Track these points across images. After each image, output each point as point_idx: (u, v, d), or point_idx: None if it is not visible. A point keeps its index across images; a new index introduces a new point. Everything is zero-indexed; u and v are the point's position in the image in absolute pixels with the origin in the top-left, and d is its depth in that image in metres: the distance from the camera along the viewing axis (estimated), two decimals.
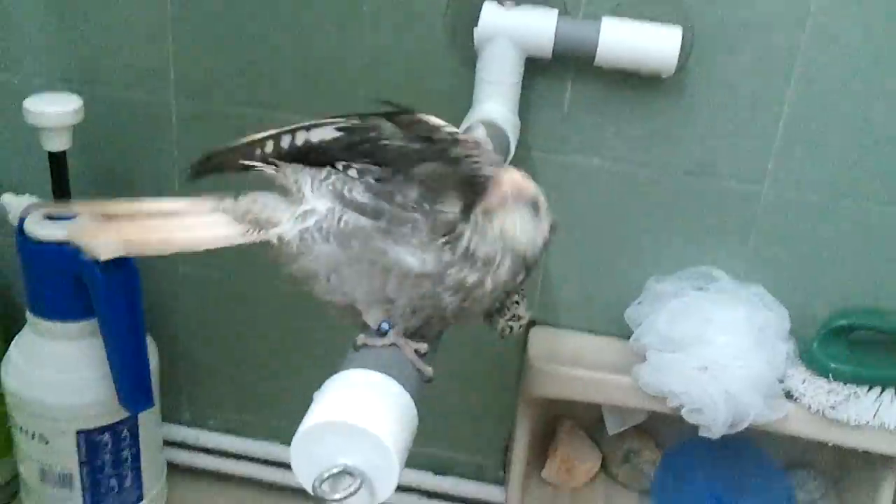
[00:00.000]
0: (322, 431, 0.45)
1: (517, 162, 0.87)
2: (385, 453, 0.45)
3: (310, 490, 0.45)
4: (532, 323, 0.98)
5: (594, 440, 1.04)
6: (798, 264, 0.90)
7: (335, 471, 0.45)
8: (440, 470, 1.07)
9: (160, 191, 0.98)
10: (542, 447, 1.04)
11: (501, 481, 1.05)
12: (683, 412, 0.85)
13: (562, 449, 1.02)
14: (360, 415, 0.45)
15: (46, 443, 0.92)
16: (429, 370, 0.52)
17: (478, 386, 1.02)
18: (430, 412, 1.09)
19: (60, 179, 0.89)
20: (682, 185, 0.89)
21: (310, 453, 0.45)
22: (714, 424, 0.84)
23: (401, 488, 1.07)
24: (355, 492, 0.45)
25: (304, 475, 0.46)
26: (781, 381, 0.88)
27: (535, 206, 0.53)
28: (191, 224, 0.55)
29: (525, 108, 0.87)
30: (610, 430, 1.01)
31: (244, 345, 1.05)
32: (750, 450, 0.99)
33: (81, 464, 0.93)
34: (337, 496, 0.44)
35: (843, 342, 0.86)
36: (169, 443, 1.09)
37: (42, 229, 0.88)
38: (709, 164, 0.88)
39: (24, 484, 0.98)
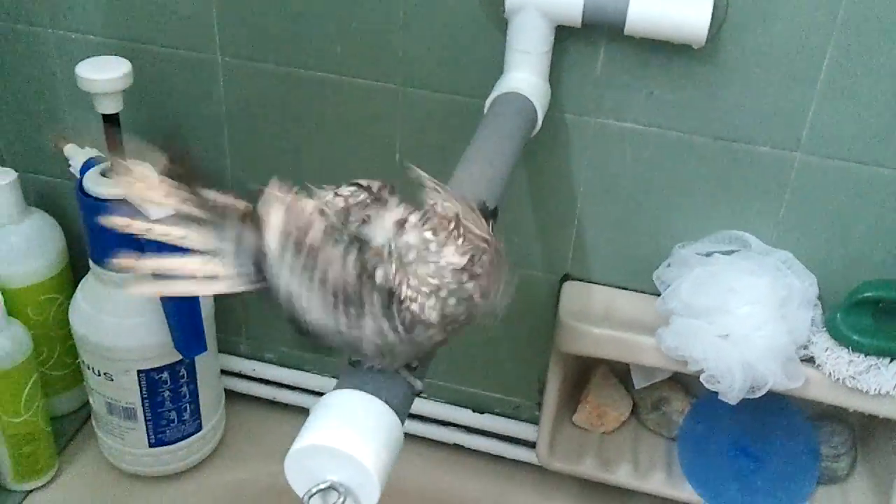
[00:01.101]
0: (310, 452, 0.50)
1: (549, 125, 0.89)
2: (366, 474, 0.49)
3: (305, 501, 0.50)
4: (566, 277, 1.00)
5: (626, 387, 1.07)
6: (829, 232, 0.90)
7: (322, 486, 0.50)
8: (479, 408, 1.13)
9: (212, 146, 1.02)
10: (577, 391, 1.08)
11: (536, 420, 1.10)
12: (702, 377, 0.88)
13: (593, 396, 1.06)
14: (344, 439, 0.50)
15: (111, 380, 1.00)
16: (419, 384, 0.56)
17: (515, 332, 1.06)
18: (471, 356, 1.14)
19: (115, 139, 0.94)
20: (715, 150, 0.89)
21: (301, 468, 0.50)
22: (730, 392, 0.86)
23: (443, 423, 1.14)
24: (343, 498, 0.50)
25: (297, 486, 0.51)
26: (805, 348, 0.89)
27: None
28: None
29: (557, 71, 0.88)
30: (637, 385, 1.04)
31: None
32: (777, 402, 1.01)
33: (143, 399, 1.02)
34: None
35: (868, 314, 0.87)
36: (227, 372, 1.17)
37: (99, 186, 0.93)
38: (742, 131, 0.87)
39: (94, 412, 1.07)
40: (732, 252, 0.92)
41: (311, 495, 0.50)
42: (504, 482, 1.12)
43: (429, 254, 0.50)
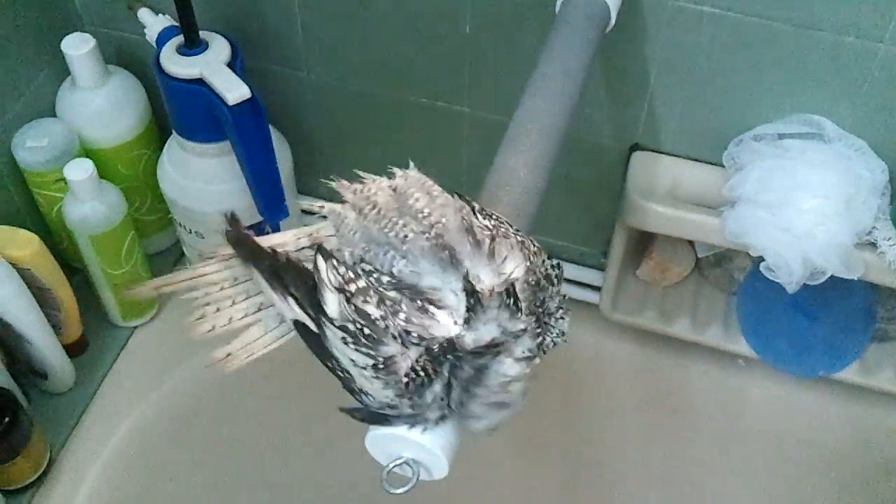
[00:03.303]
0: (386, 437, 0.56)
1: (628, 7, 0.86)
2: (432, 454, 0.56)
3: (384, 475, 0.57)
4: (635, 147, 1.01)
5: (690, 243, 1.10)
6: None
7: (399, 462, 0.57)
8: (549, 254, 1.17)
9: (283, 23, 1.03)
10: (641, 246, 1.12)
11: (601, 267, 1.15)
12: (762, 266, 0.91)
13: (657, 253, 1.09)
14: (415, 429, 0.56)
15: (202, 237, 1.07)
16: None
17: (584, 196, 1.09)
18: (542, 210, 1.19)
19: (186, 14, 0.94)
20: (796, 38, 0.86)
21: (381, 448, 0.57)
22: (789, 284, 0.89)
23: None
24: (415, 479, 0.57)
25: (379, 458, 0.58)
26: (868, 234, 0.91)
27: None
28: None
29: None
30: (700, 254, 1.07)
31: (376, 134, 1.13)
32: None
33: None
34: (400, 490, 0.57)
35: None
36: (308, 212, 1.23)
37: (174, 66, 0.95)
38: (826, 20, 0.84)
39: (188, 259, 1.16)
40: (806, 135, 0.91)
41: (390, 470, 0.57)
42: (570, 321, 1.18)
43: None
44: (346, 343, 0.53)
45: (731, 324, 1.08)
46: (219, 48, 0.96)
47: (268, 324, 0.63)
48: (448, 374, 0.53)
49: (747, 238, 0.90)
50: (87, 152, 1.07)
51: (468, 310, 0.52)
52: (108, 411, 1.10)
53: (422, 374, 0.52)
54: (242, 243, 0.62)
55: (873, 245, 0.91)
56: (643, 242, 1.12)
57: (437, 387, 0.53)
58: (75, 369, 1.11)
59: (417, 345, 0.52)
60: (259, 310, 0.63)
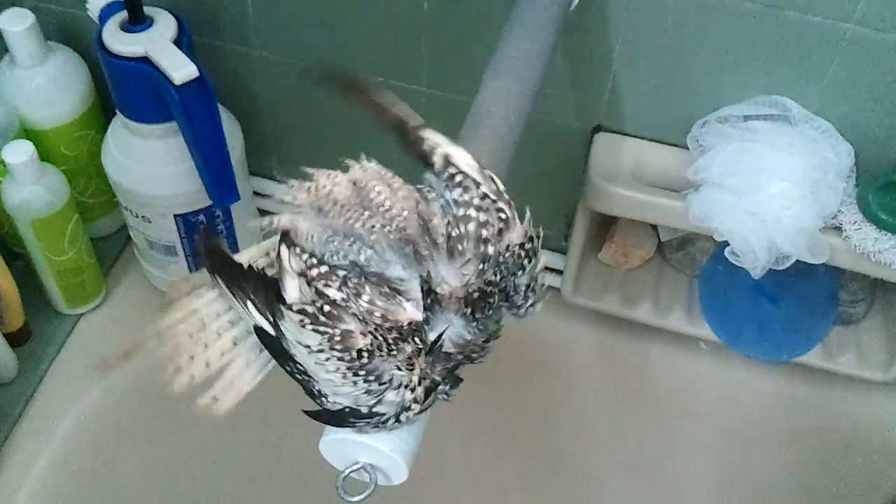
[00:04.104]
0: (341, 442, 0.53)
1: None
2: (392, 460, 0.53)
3: (339, 482, 0.55)
4: (598, 128, 0.99)
5: (653, 226, 1.09)
6: (873, 104, 0.87)
7: (355, 468, 0.54)
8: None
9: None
10: (603, 229, 1.10)
11: (564, 250, 1.12)
12: (727, 251, 0.89)
13: (620, 235, 1.07)
14: (370, 434, 0.53)
15: (149, 222, 1.03)
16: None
17: (546, 178, 1.06)
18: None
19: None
20: (764, 17, 0.84)
21: (336, 453, 0.54)
22: (754, 269, 0.88)
23: None
24: (373, 486, 0.54)
25: (335, 463, 0.55)
26: (834, 217, 0.89)
27: None
28: None
29: None
30: (663, 238, 1.05)
31: (328, 114, 1.09)
32: None
33: (182, 238, 1.04)
34: (357, 498, 0.54)
35: None
36: (259, 194, 1.19)
37: (118, 43, 0.90)
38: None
39: (134, 244, 1.11)
40: (772, 116, 0.89)
41: (346, 476, 0.54)
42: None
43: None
44: (302, 326, 0.50)
45: (694, 307, 1.07)
46: (164, 25, 0.92)
47: (249, 356, 0.59)
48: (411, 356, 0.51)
49: (712, 222, 0.89)
50: (27, 133, 1.02)
51: (426, 309, 0.50)
52: (53, 402, 1.06)
53: (381, 344, 0.49)
54: (215, 252, 0.60)
55: (839, 229, 0.90)
56: (605, 225, 1.10)
57: (397, 366, 0.50)
58: (18, 359, 1.06)
59: (380, 326, 0.49)
60: (235, 345, 0.59)
